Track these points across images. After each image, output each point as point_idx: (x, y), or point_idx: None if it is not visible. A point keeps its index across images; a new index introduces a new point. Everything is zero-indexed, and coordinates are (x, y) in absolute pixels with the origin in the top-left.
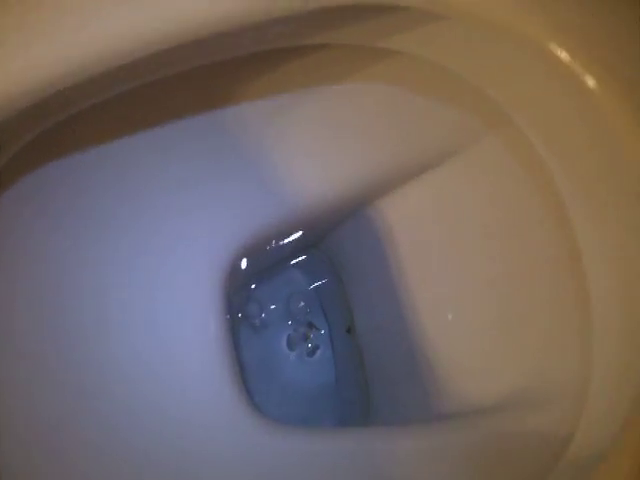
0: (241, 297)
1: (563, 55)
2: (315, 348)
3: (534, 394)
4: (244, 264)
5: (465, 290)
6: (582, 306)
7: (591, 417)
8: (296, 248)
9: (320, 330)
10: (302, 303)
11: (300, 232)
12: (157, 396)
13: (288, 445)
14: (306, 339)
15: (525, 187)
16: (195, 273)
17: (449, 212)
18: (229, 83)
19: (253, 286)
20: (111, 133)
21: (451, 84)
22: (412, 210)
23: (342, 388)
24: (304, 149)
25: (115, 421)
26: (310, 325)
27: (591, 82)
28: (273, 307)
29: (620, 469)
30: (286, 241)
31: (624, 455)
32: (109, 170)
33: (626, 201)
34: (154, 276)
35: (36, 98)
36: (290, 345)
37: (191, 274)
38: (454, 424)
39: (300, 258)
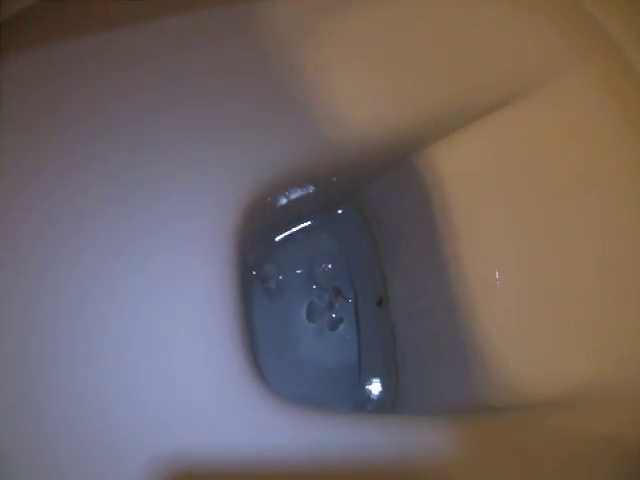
0: (257, 256)
1: None
2: (339, 321)
3: (602, 391)
4: (259, 216)
5: (527, 260)
6: None
7: None
8: (324, 204)
9: (347, 299)
10: (329, 266)
11: (328, 182)
12: (159, 365)
13: (298, 428)
14: (331, 308)
15: (617, 129)
16: (201, 220)
17: (515, 161)
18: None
19: (272, 245)
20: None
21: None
22: (469, 160)
23: (365, 369)
24: (343, 76)
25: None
26: (337, 292)
27: None
28: (294, 270)
29: None
30: (311, 192)
31: None
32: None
33: None
34: (160, 218)
35: None
36: (310, 315)
37: (197, 221)
38: (503, 418)
39: (328, 216)
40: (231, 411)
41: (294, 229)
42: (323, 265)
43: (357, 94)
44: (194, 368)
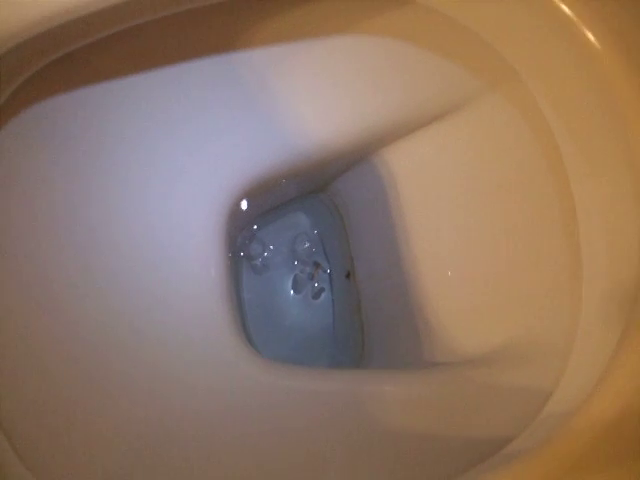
0: (244, 238)
1: (566, 10)
2: (321, 290)
3: (522, 349)
4: (246, 204)
5: (463, 244)
6: (573, 264)
7: (571, 373)
8: (301, 192)
9: (326, 270)
10: (307, 244)
11: (304, 176)
12: (157, 330)
13: (281, 383)
14: (312, 279)
15: (526, 141)
16: (197, 210)
17: (451, 165)
18: (238, 25)
19: (256, 227)
20: (120, 68)
21: (460, 38)
22: (416, 161)
23: (339, 332)
24: (309, 95)
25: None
26: (316, 265)
27: (592, 38)
28: (277, 248)
29: (592, 419)
30: (289, 184)
31: (596, 407)
32: (115, 106)
33: (620, 160)
34: (157, 211)
35: (44, 28)
36: (295, 286)
37: (193, 211)
38: (441, 372)
39: (305, 202)
40: (218, 365)
41: (276, 214)
42: (303, 243)
43: (326, 110)
44: (186, 329)
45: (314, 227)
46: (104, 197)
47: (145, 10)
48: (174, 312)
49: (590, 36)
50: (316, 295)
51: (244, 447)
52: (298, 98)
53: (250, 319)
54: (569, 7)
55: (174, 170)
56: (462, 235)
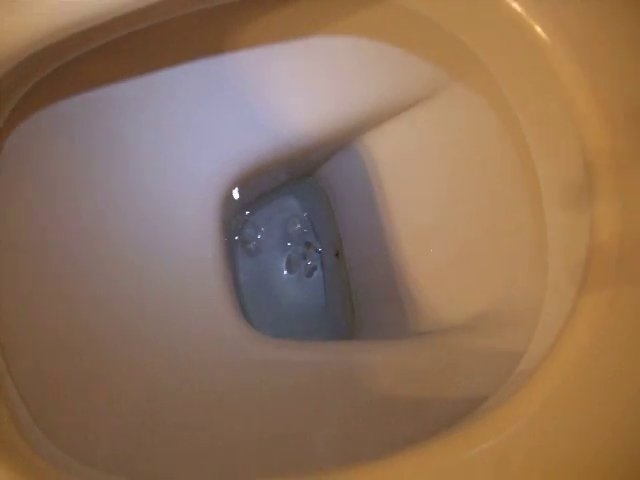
0: (238, 222)
1: (517, 7)
2: (313, 268)
3: (498, 315)
4: (238, 192)
5: (442, 221)
6: (540, 238)
7: (540, 333)
8: (290, 178)
9: (317, 249)
10: (298, 226)
11: (291, 163)
12: (156, 307)
13: (276, 355)
14: (305, 258)
15: (493, 124)
16: (192, 199)
17: (427, 148)
18: (224, 29)
19: (248, 212)
20: (113, 73)
21: (427, 32)
22: (395, 145)
23: (331, 307)
24: (293, 89)
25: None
26: (308, 245)
27: (542, 33)
28: (270, 231)
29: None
30: (278, 171)
31: (551, 363)
32: (113, 107)
33: (572, 141)
34: (154, 202)
35: (45, 42)
36: (289, 267)
37: (189, 200)
38: (425, 341)
39: (294, 187)
40: (215, 340)
41: (267, 199)
42: (294, 225)
43: (308, 103)
44: (186, 310)
45: (304, 210)
46: (104, 191)
47: (138, 20)
48: (174, 294)
49: (539, 30)
50: (309, 273)
51: (241, 415)
52: (283, 93)
53: (247, 299)
54: (519, 4)
55: (168, 163)
56: (441, 213)
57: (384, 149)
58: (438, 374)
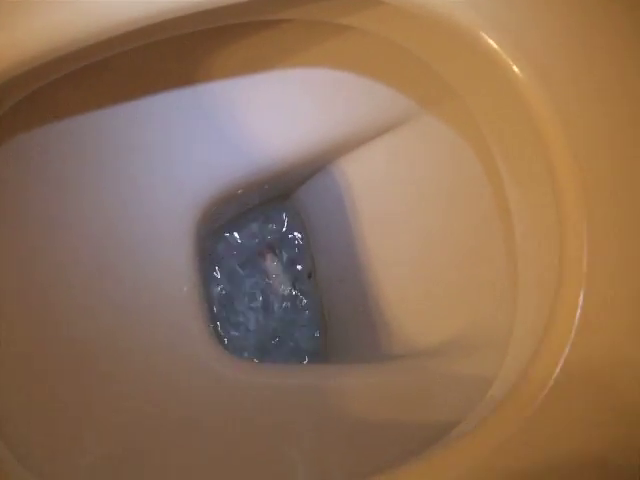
0: (213, 242)
1: (490, 43)
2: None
3: (469, 340)
4: (214, 213)
5: (414, 245)
6: (510, 263)
7: (511, 358)
8: (265, 200)
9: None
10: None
11: (267, 187)
12: (131, 327)
13: (248, 379)
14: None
15: (465, 153)
16: (169, 220)
17: (400, 172)
18: (202, 56)
19: (227, 234)
20: (89, 98)
21: (401, 61)
22: (367, 170)
23: (303, 328)
24: (269, 115)
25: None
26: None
27: (514, 67)
28: (243, 250)
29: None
30: (254, 194)
31: (523, 389)
32: (89, 132)
33: (543, 172)
34: (129, 229)
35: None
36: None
37: (165, 221)
38: (396, 364)
39: (269, 208)
40: (187, 362)
41: (242, 219)
42: (268, 246)
43: (283, 129)
44: (158, 331)
45: (278, 230)
46: (78, 220)
47: (118, 44)
48: (146, 317)
49: (515, 68)
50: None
51: (213, 438)
52: (258, 118)
53: (219, 317)
54: (493, 41)
55: (143, 188)
56: (413, 237)
57: (358, 173)
58: (410, 399)
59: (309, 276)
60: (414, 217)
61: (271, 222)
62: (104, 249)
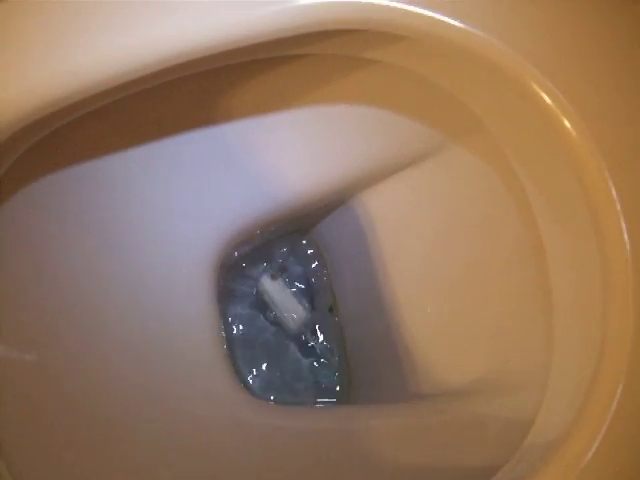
0: (233, 276)
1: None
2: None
3: (501, 381)
4: (235, 253)
5: (440, 282)
6: (545, 300)
7: (550, 404)
8: (286, 233)
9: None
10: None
11: (288, 223)
12: (154, 375)
13: (271, 422)
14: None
15: (495, 188)
16: (189, 263)
17: (425, 207)
18: (220, 94)
19: (244, 265)
20: (102, 142)
21: (423, 92)
22: (391, 204)
23: (325, 364)
24: (290, 153)
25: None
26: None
27: (548, 100)
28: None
29: (574, 453)
30: (275, 229)
31: (578, 440)
32: (106, 175)
33: (581, 208)
34: (155, 260)
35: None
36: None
37: (186, 264)
38: (425, 405)
39: (289, 242)
40: (209, 404)
41: (262, 253)
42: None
43: (306, 165)
44: (179, 367)
45: (298, 265)
46: (99, 259)
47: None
48: (168, 366)
49: (545, 98)
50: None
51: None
52: (279, 157)
53: (239, 354)
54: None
55: (168, 227)
56: (438, 273)
57: (380, 207)
58: (442, 442)
59: (330, 310)
60: (437, 251)
61: (291, 257)
62: (119, 296)
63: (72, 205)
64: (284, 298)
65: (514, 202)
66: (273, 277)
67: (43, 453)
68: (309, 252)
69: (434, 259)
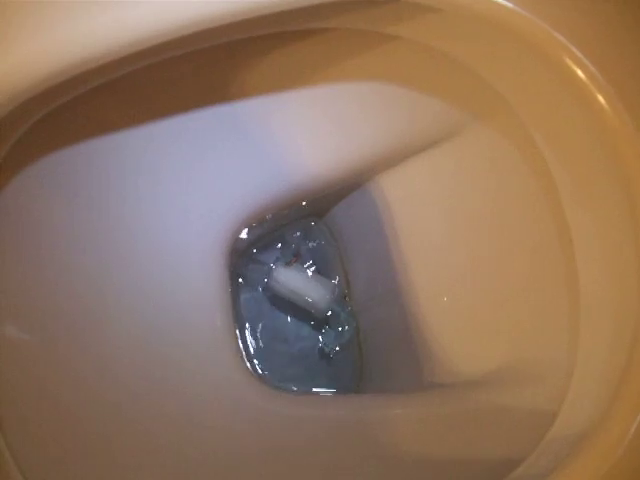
0: (244, 261)
1: (567, 60)
2: None
3: (522, 371)
4: (246, 233)
5: (459, 268)
6: (571, 288)
7: (575, 396)
8: (299, 217)
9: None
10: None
11: (303, 203)
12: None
13: (285, 411)
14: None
15: (519, 170)
16: (201, 241)
17: (445, 190)
18: (233, 73)
19: (255, 250)
20: (114, 117)
21: (446, 70)
22: (409, 187)
23: (338, 352)
24: (307, 132)
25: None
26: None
27: (595, 89)
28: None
29: (601, 447)
30: (288, 213)
31: (606, 433)
32: (115, 153)
33: (614, 192)
34: (165, 241)
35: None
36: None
37: (197, 241)
38: (443, 394)
39: (302, 227)
40: (222, 392)
41: (274, 238)
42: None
43: (321, 145)
44: (191, 357)
45: (311, 250)
46: (105, 243)
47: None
48: (179, 342)
49: (589, 84)
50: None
51: (252, 471)
52: (295, 136)
53: (251, 340)
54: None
55: (179, 207)
56: (457, 260)
57: (399, 190)
58: (461, 431)
59: (344, 296)
60: (458, 235)
61: (303, 241)
62: (133, 268)
63: (80, 185)
64: (306, 282)
65: (540, 186)
66: (287, 264)
67: (48, 439)
68: (322, 237)
69: (453, 245)
